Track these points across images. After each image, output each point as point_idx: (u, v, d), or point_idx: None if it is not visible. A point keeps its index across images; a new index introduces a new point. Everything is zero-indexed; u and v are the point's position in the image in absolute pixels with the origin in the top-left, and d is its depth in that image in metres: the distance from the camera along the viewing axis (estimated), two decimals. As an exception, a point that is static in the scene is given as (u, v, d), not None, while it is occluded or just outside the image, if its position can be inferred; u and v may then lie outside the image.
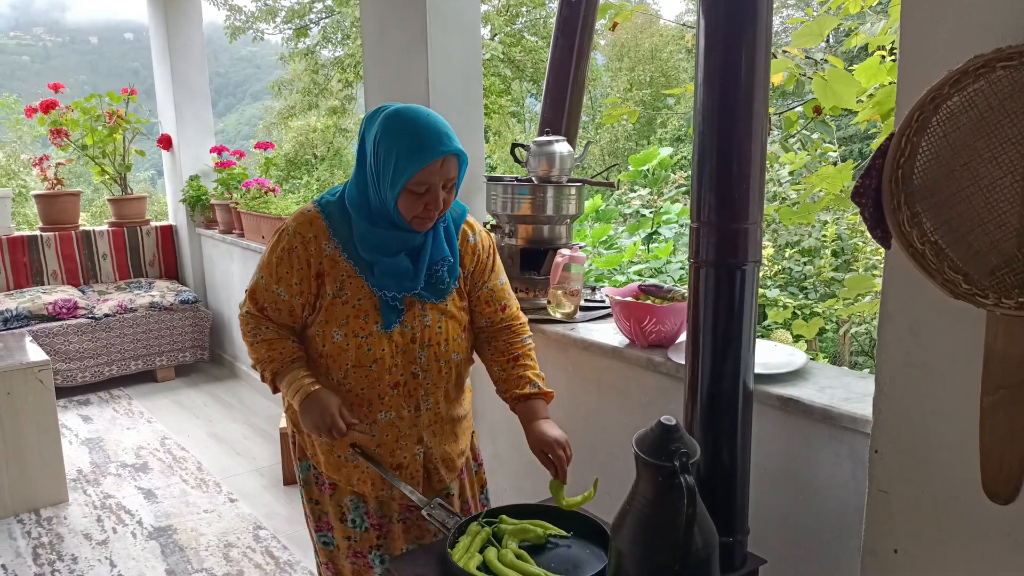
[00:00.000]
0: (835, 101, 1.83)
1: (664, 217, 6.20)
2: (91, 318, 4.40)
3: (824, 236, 6.38)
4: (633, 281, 5.34)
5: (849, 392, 1.60)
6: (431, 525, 1.63)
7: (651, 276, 5.43)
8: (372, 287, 1.55)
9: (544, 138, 2.33)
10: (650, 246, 5.92)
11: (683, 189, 8.07)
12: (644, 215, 6.43)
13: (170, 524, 2.90)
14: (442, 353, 1.63)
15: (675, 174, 7.10)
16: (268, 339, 1.60)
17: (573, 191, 2.36)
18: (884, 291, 1.31)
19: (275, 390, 1.64)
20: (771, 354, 1.82)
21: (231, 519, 2.93)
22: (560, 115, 2.48)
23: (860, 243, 6.43)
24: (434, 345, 1.61)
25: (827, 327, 6.31)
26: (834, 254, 6.49)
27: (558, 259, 2.20)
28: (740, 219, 1.46)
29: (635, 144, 18.63)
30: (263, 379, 1.64)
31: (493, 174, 2.48)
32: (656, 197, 6.85)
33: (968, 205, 1.12)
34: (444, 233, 1.61)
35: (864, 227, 6.72)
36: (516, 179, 2.40)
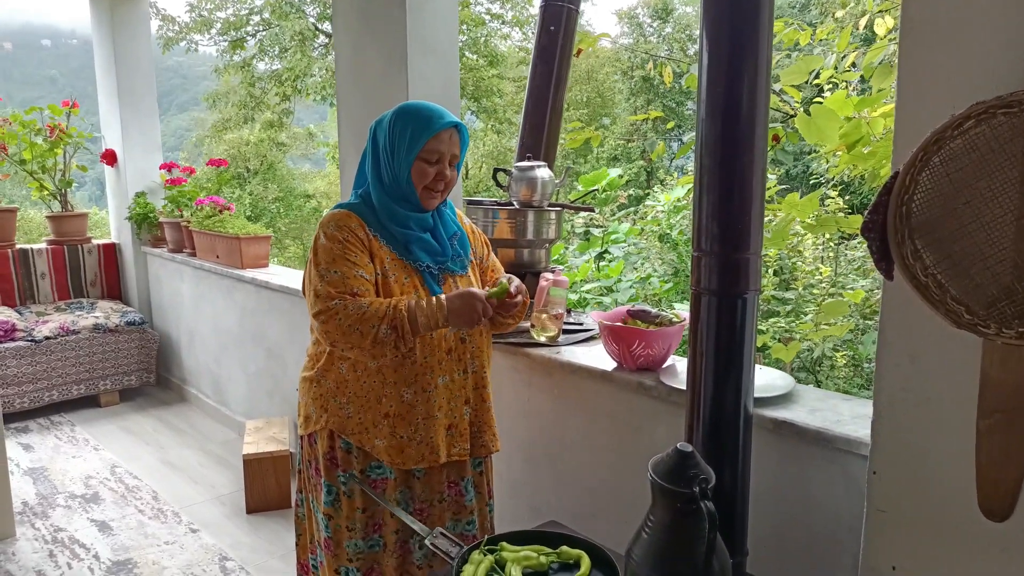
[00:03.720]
0: (819, 137, 1.92)
1: (613, 236, 6.32)
2: (31, 341, 4.19)
3: (766, 256, 6.60)
4: (586, 300, 5.41)
5: (839, 414, 1.66)
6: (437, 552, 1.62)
7: (602, 295, 5.52)
8: (412, 264, 1.74)
9: (526, 163, 2.36)
10: (600, 265, 6.02)
11: (627, 209, 8.23)
12: (593, 234, 6.54)
13: (130, 557, 2.77)
14: None
15: (618, 193, 7.25)
16: (372, 300, 1.65)
17: (553, 216, 2.39)
18: (882, 320, 1.38)
19: (413, 332, 1.65)
20: (757, 377, 1.88)
21: (194, 550, 2.83)
22: (539, 140, 2.51)
23: (799, 263, 6.68)
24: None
25: (769, 344, 6.51)
26: (775, 273, 6.72)
27: (542, 283, 2.21)
28: (742, 249, 1.51)
29: (572, 162, 18.90)
30: (401, 329, 1.62)
31: (472, 198, 2.49)
32: (601, 215, 6.97)
33: (971, 240, 1.19)
34: (447, 215, 1.85)
35: (802, 248, 6.92)
36: (496, 203, 2.42)
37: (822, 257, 6.74)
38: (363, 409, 1.75)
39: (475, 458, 1.87)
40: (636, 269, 6.73)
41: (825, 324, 3.00)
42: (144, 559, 2.76)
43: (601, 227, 6.71)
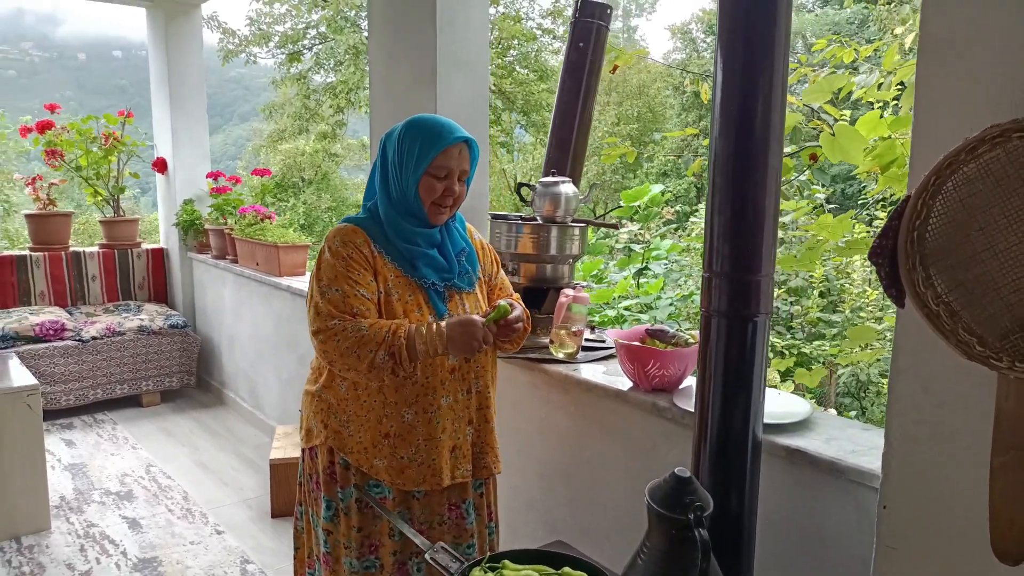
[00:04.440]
0: (842, 156, 1.87)
1: (654, 253, 6.25)
2: (78, 340, 4.35)
3: (812, 277, 6.45)
4: (623, 316, 5.36)
5: (855, 444, 1.61)
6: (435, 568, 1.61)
7: (640, 312, 5.45)
8: (417, 281, 1.71)
9: (550, 179, 2.36)
10: (640, 281, 5.96)
11: (672, 225, 8.14)
12: (634, 250, 6.48)
13: (155, 556, 2.84)
14: None
15: (663, 209, 7.19)
16: (372, 323, 1.63)
17: (577, 231, 2.38)
18: (896, 348, 1.33)
19: (411, 359, 1.62)
20: (775, 403, 1.83)
21: (218, 552, 2.88)
22: (566, 156, 2.51)
23: (847, 284, 6.51)
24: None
25: (812, 367, 6.36)
26: (821, 295, 6.56)
27: (562, 299, 2.20)
28: (753, 271, 1.48)
29: (621, 177, 18.82)
30: (399, 356, 1.60)
31: (497, 212, 2.50)
32: (645, 232, 6.91)
33: (983, 268, 1.14)
34: (456, 231, 1.82)
35: (850, 270, 6.75)
36: (520, 218, 2.42)
37: (869, 279, 6.55)
38: (363, 429, 1.72)
39: (476, 479, 1.84)
40: (680, 286, 6.65)
41: (852, 350, 2.91)
42: (169, 558, 2.82)
43: (645, 243, 6.64)
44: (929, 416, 1.28)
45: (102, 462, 3.75)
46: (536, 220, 2.37)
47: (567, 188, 2.35)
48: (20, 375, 3.10)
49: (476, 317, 1.66)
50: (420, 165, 1.66)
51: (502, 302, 1.70)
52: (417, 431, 1.71)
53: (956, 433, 1.25)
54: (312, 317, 1.67)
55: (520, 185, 2.41)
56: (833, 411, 5.22)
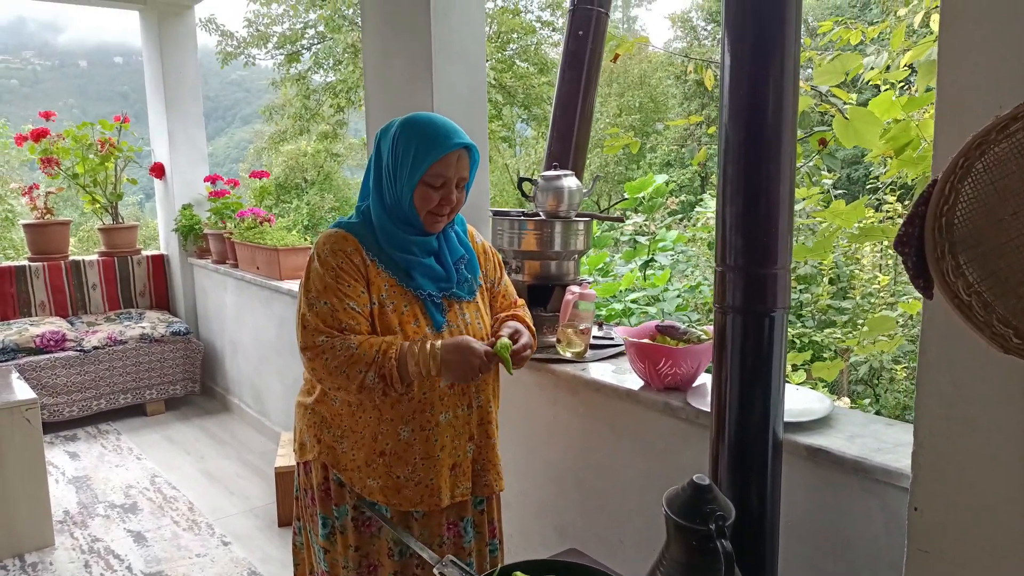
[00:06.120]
0: (857, 141, 1.79)
1: (660, 244, 6.17)
2: (80, 351, 4.29)
3: (821, 264, 6.36)
4: (631, 309, 5.28)
5: (880, 442, 1.53)
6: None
7: (648, 304, 5.38)
8: (413, 291, 1.61)
9: (552, 172, 2.28)
10: (646, 273, 5.89)
11: (677, 216, 8.05)
12: (639, 242, 6.41)
13: (161, 570, 2.78)
14: None
15: (667, 199, 7.11)
16: (362, 340, 1.53)
17: (581, 226, 2.31)
18: (923, 341, 1.25)
19: (401, 380, 1.53)
20: (793, 399, 1.76)
21: (224, 564, 2.82)
22: (568, 148, 2.44)
23: (857, 271, 6.42)
24: (479, 340, 1.65)
25: (825, 355, 6.27)
26: (831, 282, 6.47)
27: (568, 296, 2.13)
28: (768, 264, 1.40)
29: (624, 168, 18.71)
30: (389, 377, 1.51)
31: (499, 208, 2.43)
32: (650, 223, 6.84)
33: (1018, 256, 1.07)
34: (455, 236, 1.72)
35: (860, 256, 6.63)
36: (523, 214, 2.34)
37: (880, 265, 6.45)
38: (357, 446, 1.63)
39: (476, 496, 1.74)
40: (687, 277, 6.58)
41: (871, 341, 2.83)
42: (175, 572, 2.77)
43: (650, 235, 6.57)
44: (960, 412, 1.21)
45: (106, 474, 3.70)
46: (539, 216, 2.29)
47: (570, 182, 2.27)
48: (19, 389, 3.04)
49: (474, 342, 1.55)
50: (415, 173, 1.54)
51: (503, 340, 1.59)
52: (414, 449, 1.62)
53: (990, 429, 1.18)
54: (300, 331, 1.57)
55: (522, 179, 2.34)
56: (847, 400, 5.14)
